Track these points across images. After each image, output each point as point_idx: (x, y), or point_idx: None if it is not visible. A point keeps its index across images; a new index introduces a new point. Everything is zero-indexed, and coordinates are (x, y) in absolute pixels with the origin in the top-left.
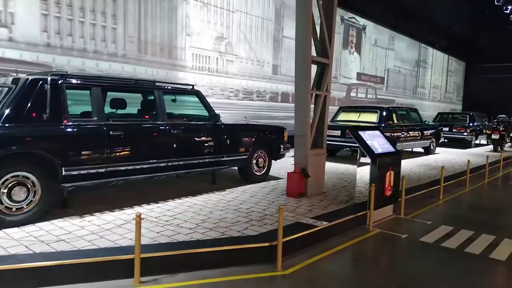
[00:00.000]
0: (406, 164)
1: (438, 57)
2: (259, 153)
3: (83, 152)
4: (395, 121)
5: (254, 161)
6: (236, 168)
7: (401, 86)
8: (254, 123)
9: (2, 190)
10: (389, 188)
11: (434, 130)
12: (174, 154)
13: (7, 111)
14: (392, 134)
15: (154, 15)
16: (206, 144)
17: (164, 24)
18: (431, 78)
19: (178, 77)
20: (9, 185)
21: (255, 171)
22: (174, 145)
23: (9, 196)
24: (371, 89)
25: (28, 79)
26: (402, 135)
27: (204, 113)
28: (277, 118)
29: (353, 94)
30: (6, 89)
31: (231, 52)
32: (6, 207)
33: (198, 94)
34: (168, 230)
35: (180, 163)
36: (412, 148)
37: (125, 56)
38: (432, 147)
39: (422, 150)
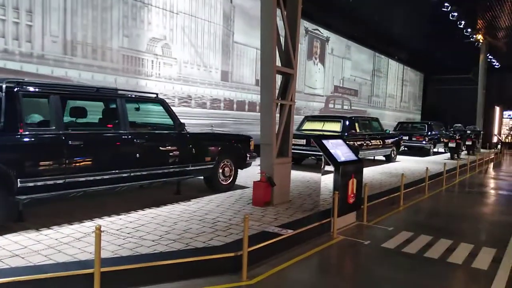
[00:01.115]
0: (368, 172)
1: (393, 66)
2: (225, 162)
3: (40, 163)
4: (358, 130)
5: (220, 170)
6: (202, 177)
7: (356, 95)
8: (220, 132)
9: None
10: (352, 195)
11: (394, 139)
12: (137, 164)
13: None
14: (355, 143)
15: (85, 14)
16: (170, 154)
17: (96, 24)
18: (387, 88)
19: (110, 80)
20: None
21: (221, 180)
22: (137, 154)
23: None
24: (346, 101)
25: None
26: (365, 144)
27: (169, 122)
28: (225, 127)
29: (331, 105)
30: None
31: (170, 55)
32: None
33: (162, 102)
34: (130, 242)
35: (144, 173)
36: (374, 156)
37: (43, 57)
38: (393, 155)
39: (384, 158)
